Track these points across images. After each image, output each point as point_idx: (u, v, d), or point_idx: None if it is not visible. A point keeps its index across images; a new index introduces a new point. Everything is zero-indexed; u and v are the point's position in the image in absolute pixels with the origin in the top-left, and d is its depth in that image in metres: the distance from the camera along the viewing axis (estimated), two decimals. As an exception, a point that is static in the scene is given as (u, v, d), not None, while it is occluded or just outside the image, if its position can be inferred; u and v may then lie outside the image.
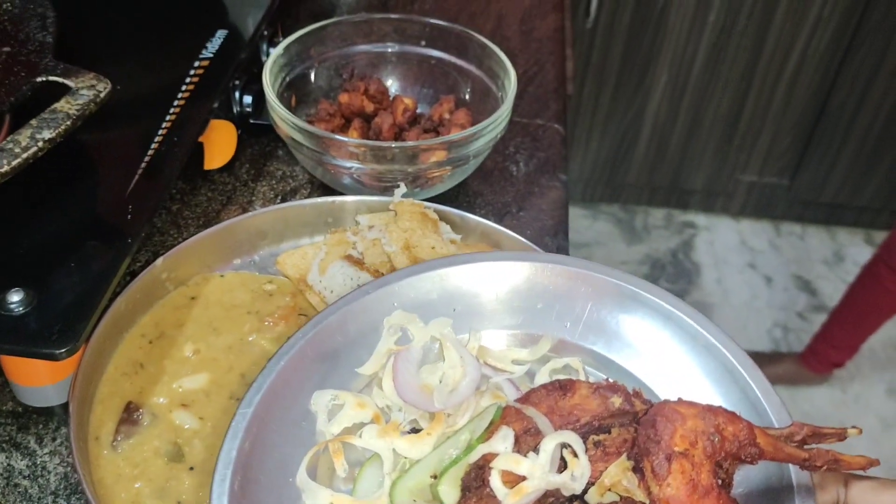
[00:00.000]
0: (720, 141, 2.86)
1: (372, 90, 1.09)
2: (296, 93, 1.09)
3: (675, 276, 2.87)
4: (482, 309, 0.76)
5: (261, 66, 1.05)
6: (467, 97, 1.11)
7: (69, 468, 0.77)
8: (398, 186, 0.95)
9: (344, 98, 1.08)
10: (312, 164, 1.01)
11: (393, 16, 1.13)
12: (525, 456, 0.62)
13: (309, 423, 0.69)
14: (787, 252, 3.02)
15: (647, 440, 0.58)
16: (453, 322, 0.73)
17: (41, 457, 0.78)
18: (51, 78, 0.83)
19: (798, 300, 2.85)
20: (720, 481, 0.58)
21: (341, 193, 1.00)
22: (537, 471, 0.60)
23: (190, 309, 0.89)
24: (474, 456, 0.63)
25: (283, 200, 1.05)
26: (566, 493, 0.61)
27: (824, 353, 2.45)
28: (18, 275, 0.76)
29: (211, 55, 1.04)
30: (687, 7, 2.53)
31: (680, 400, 0.61)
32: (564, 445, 0.62)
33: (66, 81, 0.82)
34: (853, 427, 0.61)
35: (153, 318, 0.87)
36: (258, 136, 1.11)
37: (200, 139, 1.02)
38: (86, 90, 0.81)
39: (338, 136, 0.95)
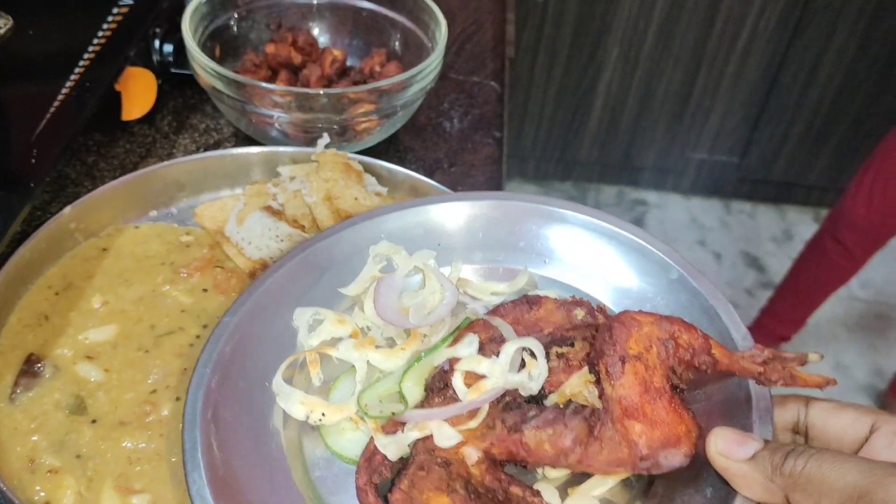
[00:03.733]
0: (671, 118, 2.86)
1: (300, 42, 1.06)
2: (220, 44, 1.05)
3: (625, 252, 2.86)
4: (465, 245, 0.77)
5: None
6: (399, 50, 1.08)
7: (-38, 422, 0.73)
8: (322, 137, 0.91)
9: (270, 49, 1.04)
10: (236, 115, 0.97)
11: (324, -34, 1.09)
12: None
13: (290, 336, 0.70)
14: (737, 230, 3.03)
15: (604, 343, 0.59)
16: (437, 255, 0.75)
17: (-67, 410, 0.74)
18: (-54, 12, 0.78)
19: (746, 277, 2.87)
20: (674, 387, 0.59)
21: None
22: (496, 370, 0.62)
23: (100, 260, 0.85)
24: (439, 357, 0.64)
25: (206, 153, 1.01)
26: (524, 393, 0.62)
27: (771, 326, 2.47)
28: None
29: (131, 1, 1.00)
30: (638, -19, 2.52)
31: (640, 311, 0.62)
32: (525, 350, 0.63)
33: (-37, 16, 0.78)
34: (815, 353, 0.61)
35: (61, 270, 0.83)
36: (181, 88, 1.07)
37: (118, 88, 0.97)
38: (-16, 25, 0.77)
39: (262, 84, 0.91)
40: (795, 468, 0.52)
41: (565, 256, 0.77)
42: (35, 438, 0.70)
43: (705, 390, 0.66)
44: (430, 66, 0.95)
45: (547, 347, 0.64)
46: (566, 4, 2.57)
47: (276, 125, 0.95)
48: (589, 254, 0.76)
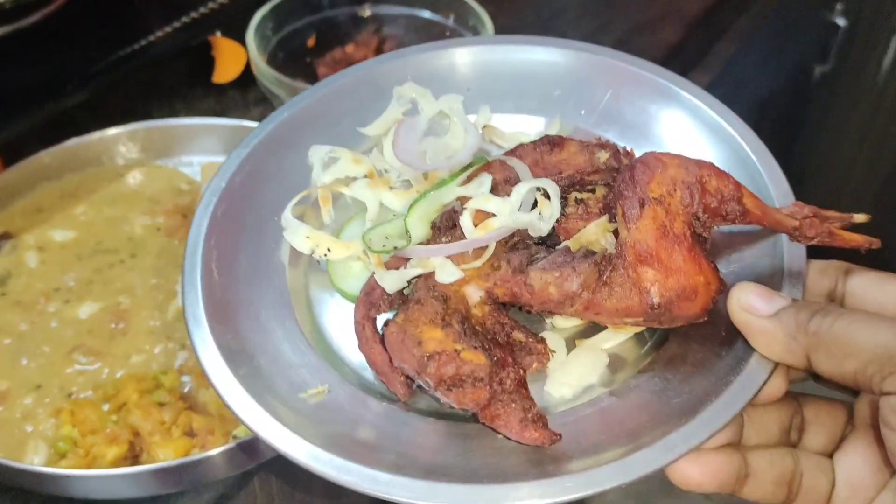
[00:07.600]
0: None
1: (385, 48, 1.14)
2: (318, 32, 1.17)
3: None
4: (496, 91, 0.74)
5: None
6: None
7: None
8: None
9: (350, 48, 1.14)
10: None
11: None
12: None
13: (303, 173, 0.68)
14: None
15: (623, 184, 0.56)
16: (465, 101, 0.70)
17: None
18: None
19: None
20: (696, 235, 0.55)
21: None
22: (505, 208, 0.59)
23: (112, 182, 1.02)
24: (448, 195, 0.62)
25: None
26: (533, 234, 0.60)
27: None
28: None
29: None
30: None
31: (667, 152, 0.58)
32: (540, 190, 0.60)
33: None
34: (862, 214, 0.57)
35: (79, 181, 1.02)
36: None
37: (213, 54, 1.15)
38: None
39: (288, 80, 1.02)
40: (822, 326, 0.48)
41: (603, 108, 0.72)
42: (-38, 288, 0.90)
43: (740, 253, 0.61)
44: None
45: (566, 192, 0.60)
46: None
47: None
48: (629, 107, 0.71)
